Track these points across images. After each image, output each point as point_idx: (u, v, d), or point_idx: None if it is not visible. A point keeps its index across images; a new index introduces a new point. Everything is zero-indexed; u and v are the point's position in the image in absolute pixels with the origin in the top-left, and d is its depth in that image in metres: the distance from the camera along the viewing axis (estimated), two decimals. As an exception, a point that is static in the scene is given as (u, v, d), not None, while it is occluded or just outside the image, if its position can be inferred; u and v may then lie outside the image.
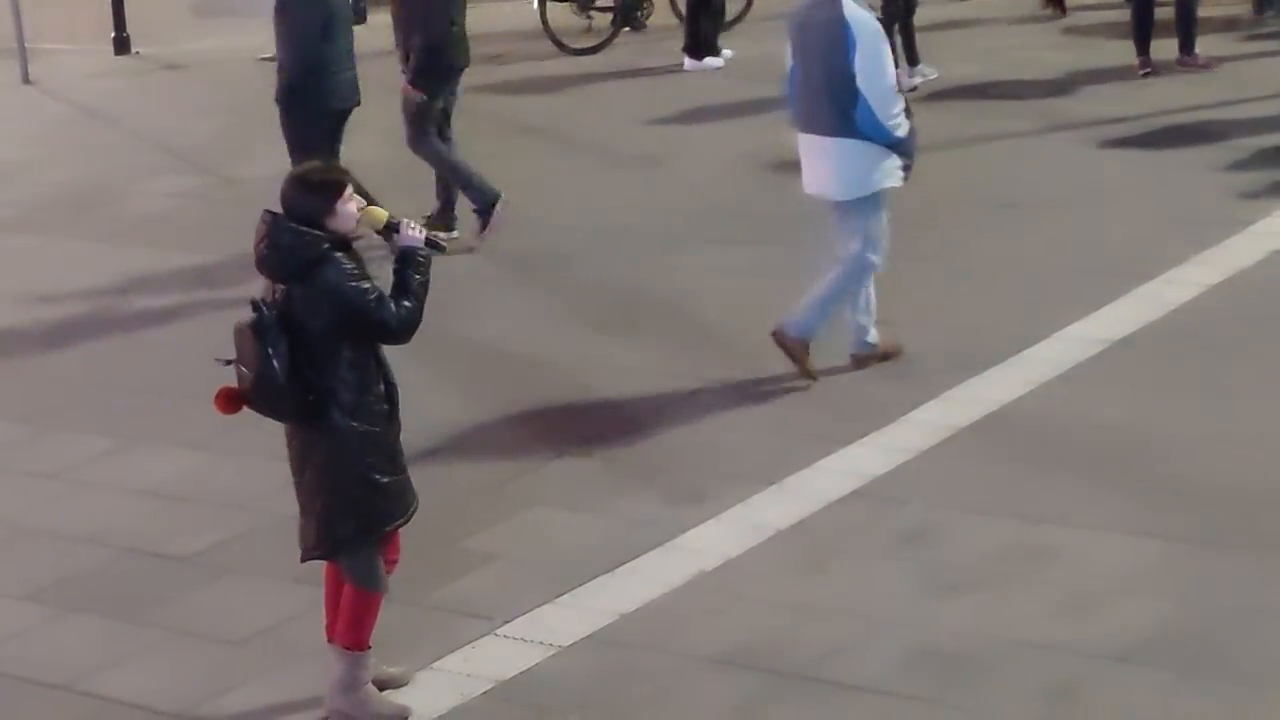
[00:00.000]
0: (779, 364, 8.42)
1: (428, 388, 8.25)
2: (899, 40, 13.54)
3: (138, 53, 18.08)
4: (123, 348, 9.51)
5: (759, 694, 5.72)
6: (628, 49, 16.55)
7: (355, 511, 5.63)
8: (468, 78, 11.30)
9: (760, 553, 6.65)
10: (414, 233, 5.66)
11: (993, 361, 8.26)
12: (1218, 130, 12.13)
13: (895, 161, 8.13)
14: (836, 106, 8.00)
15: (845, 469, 7.28)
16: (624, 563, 6.61)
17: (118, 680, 6.09)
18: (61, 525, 7.37)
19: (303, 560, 5.73)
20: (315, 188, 5.58)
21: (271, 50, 15.37)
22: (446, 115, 10.99)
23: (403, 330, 5.60)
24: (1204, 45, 14.23)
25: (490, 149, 12.07)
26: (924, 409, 7.81)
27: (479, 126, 12.63)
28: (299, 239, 5.51)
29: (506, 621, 6.25)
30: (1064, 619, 6.02)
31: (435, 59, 10.74)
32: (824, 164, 8.21)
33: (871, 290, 8.32)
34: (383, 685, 5.80)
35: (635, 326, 9.22)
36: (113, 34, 18.09)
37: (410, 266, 5.62)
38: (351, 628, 5.68)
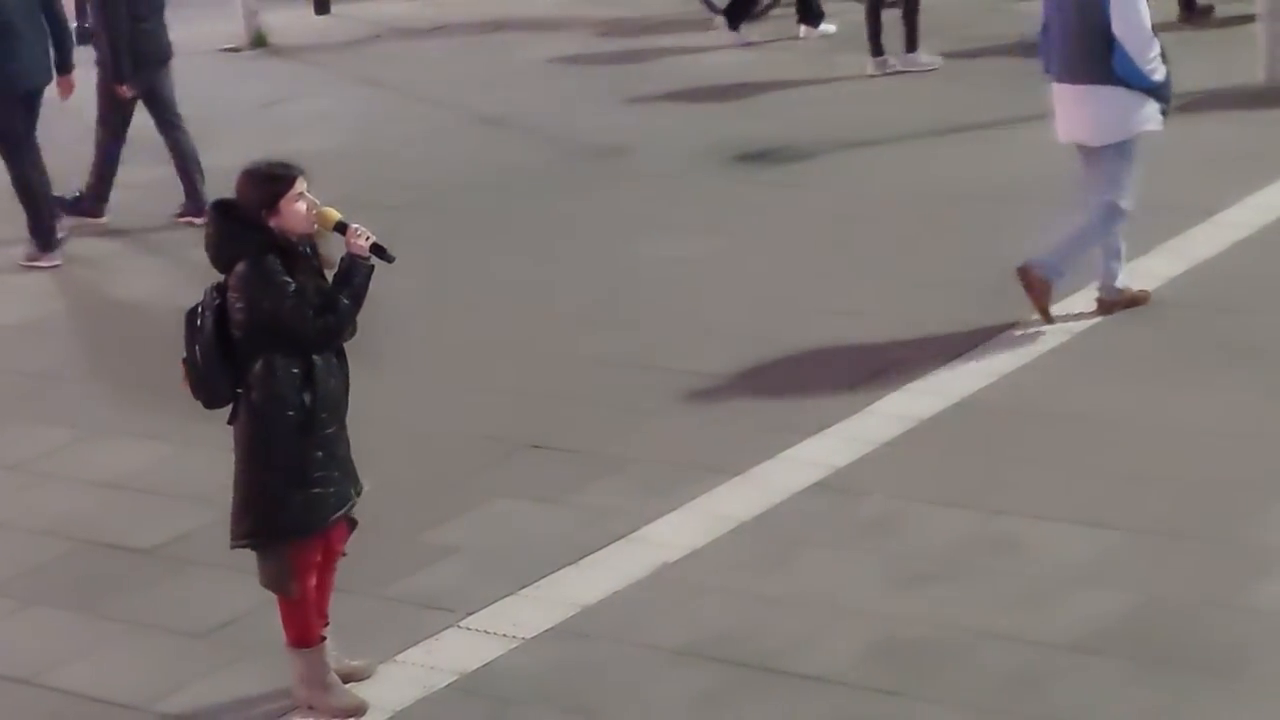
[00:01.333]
0: (743, 355, 8.44)
1: (391, 379, 8.24)
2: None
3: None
4: (84, 340, 9.48)
5: (722, 685, 5.73)
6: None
7: (253, 513, 5.59)
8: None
9: (723, 544, 6.66)
10: (359, 240, 5.56)
11: (956, 353, 8.28)
12: (1181, 118, 12.16)
13: (1153, 106, 8.43)
14: (1094, 54, 8.28)
15: (808, 460, 7.29)
16: (587, 554, 6.62)
17: (78, 673, 6.08)
18: (22, 517, 7.34)
19: (231, 546, 5.71)
20: (259, 181, 5.54)
21: (234, 41, 15.38)
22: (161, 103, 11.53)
23: (320, 339, 5.52)
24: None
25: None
26: (887, 400, 7.83)
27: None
28: (228, 231, 5.51)
29: (470, 613, 6.25)
30: (1025, 609, 6.05)
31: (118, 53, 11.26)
32: (1081, 111, 8.48)
33: (1120, 236, 8.52)
34: (346, 678, 5.79)
35: (596, 315, 9.23)
36: (74, 24, 17.98)
37: (351, 274, 5.54)
38: (285, 627, 5.68)
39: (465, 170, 12.14)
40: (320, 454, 5.57)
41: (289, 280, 5.47)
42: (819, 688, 5.66)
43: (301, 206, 5.52)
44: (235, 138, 13.20)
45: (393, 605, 6.33)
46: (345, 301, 5.52)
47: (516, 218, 11.06)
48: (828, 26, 15.84)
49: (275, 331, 5.48)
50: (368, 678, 5.86)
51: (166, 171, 12.33)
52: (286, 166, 5.59)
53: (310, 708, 5.70)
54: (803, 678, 5.72)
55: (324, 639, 5.72)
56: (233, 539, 5.68)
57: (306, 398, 5.52)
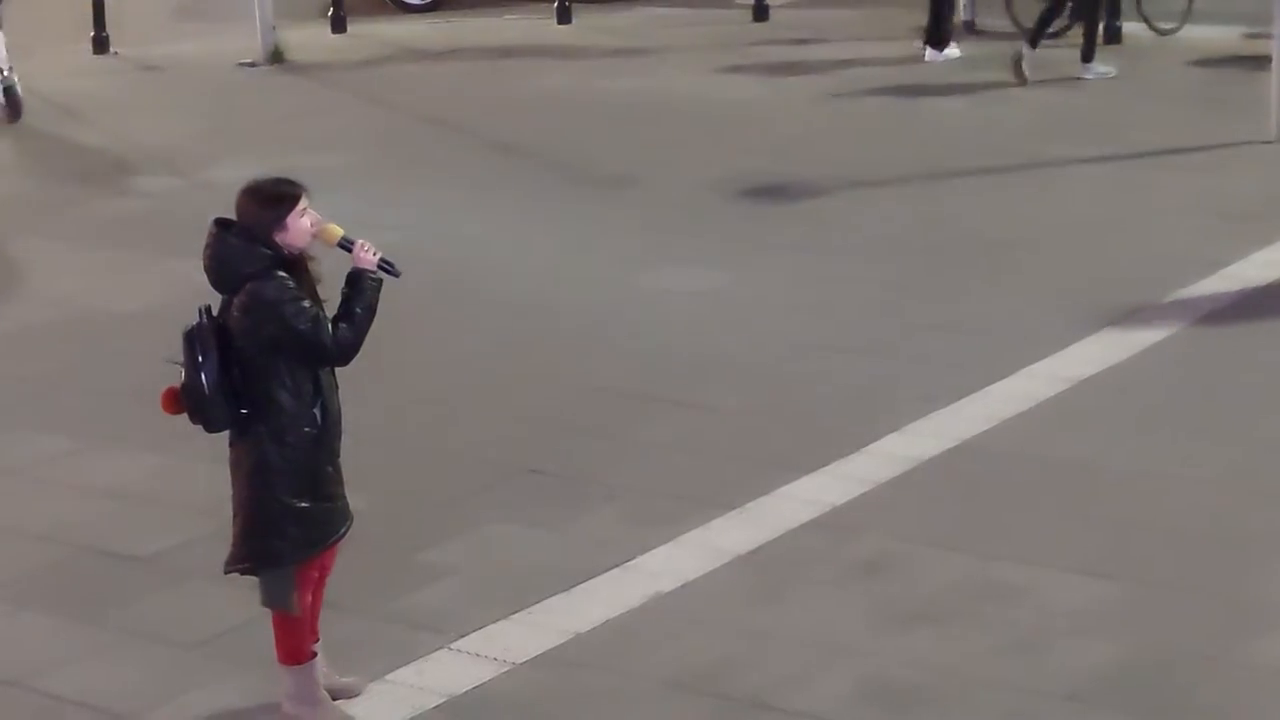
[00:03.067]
0: (744, 389, 8.44)
1: (390, 398, 8.25)
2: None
3: (116, 53, 18.04)
4: (89, 348, 9.49)
5: (710, 718, 5.72)
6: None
7: (269, 532, 5.58)
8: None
9: (717, 577, 6.66)
10: (366, 254, 5.58)
11: (957, 395, 8.29)
12: (1192, 172, 12.20)
13: None
14: None
15: (805, 497, 7.29)
16: (581, 582, 6.62)
17: (71, 679, 6.07)
18: (18, 523, 7.33)
19: (225, 572, 5.71)
20: (266, 200, 5.53)
21: (251, 56, 15.45)
22: None
23: (339, 354, 5.53)
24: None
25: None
26: (886, 440, 7.83)
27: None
28: (238, 251, 5.50)
29: (461, 636, 6.24)
30: (1017, 656, 6.04)
31: None
32: None
33: None
34: (335, 695, 5.79)
35: (599, 345, 9.24)
36: (91, 33, 18.05)
37: (358, 289, 5.55)
38: (278, 645, 5.67)
39: (472, 194, 12.17)
40: (330, 469, 5.62)
41: (303, 296, 5.49)
42: None
43: (306, 223, 5.53)
44: (249, 151, 13.26)
45: (384, 625, 6.33)
46: (358, 317, 5.53)
47: (521, 243, 11.08)
48: (952, 51, 15.88)
49: (293, 349, 5.48)
50: (357, 695, 5.86)
51: (178, 181, 12.34)
52: (291, 183, 5.59)
53: None
54: (791, 714, 5.71)
55: (315, 655, 5.72)
56: (231, 564, 5.67)
57: (317, 413, 5.54)
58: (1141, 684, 5.84)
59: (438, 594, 6.59)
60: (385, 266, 5.62)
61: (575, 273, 10.47)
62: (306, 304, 5.48)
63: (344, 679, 5.86)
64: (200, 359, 5.48)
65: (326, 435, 5.59)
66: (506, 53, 17.24)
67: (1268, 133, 12.67)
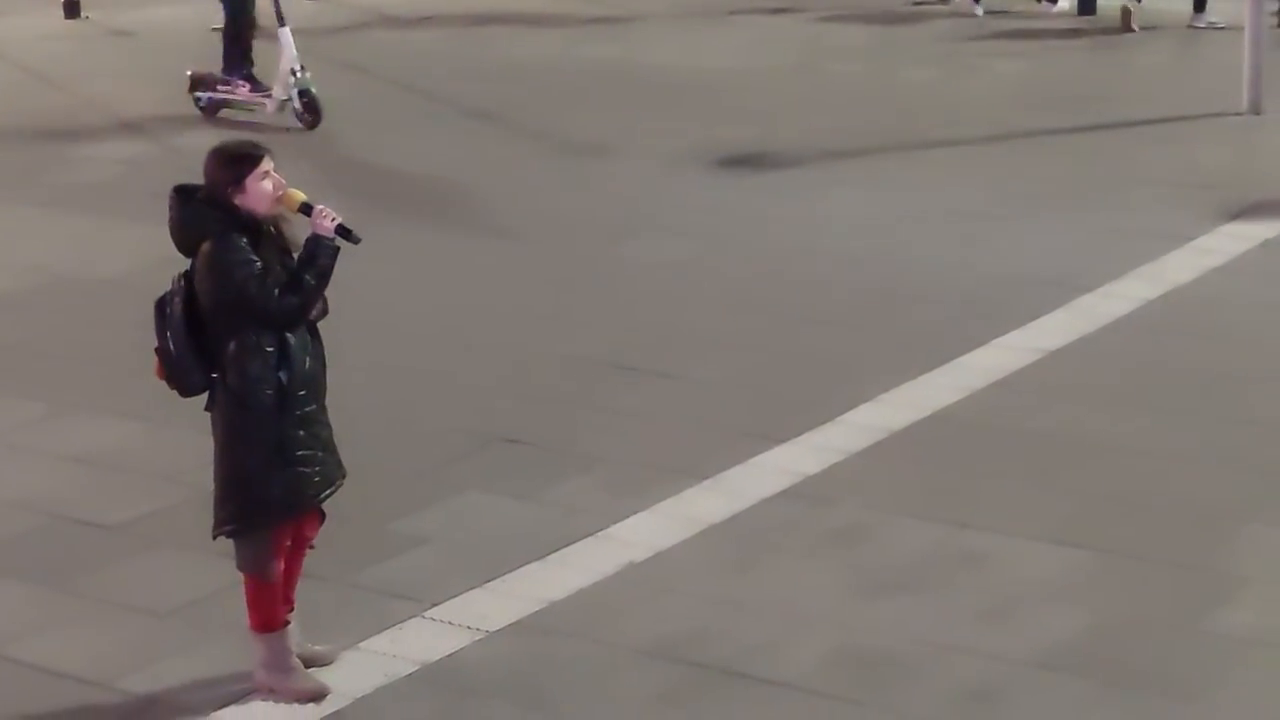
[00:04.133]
0: (719, 359, 8.46)
1: (365, 367, 8.25)
2: None
3: (87, 17, 17.96)
4: (62, 315, 9.46)
5: (683, 686, 5.74)
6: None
7: (239, 496, 5.59)
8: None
9: (691, 546, 6.68)
10: (325, 220, 5.55)
11: (929, 366, 8.32)
12: (1163, 144, 12.24)
13: None
14: None
15: (779, 467, 7.32)
16: (555, 550, 6.63)
17: (40, 647, 6.07)
18: (-9, 489, 7.33)
19: (213, 536, 5.71)
20: (226, 161, 5.55)
21: (220, 20, 15.39)
22: None
23: (284, 318, 5.50)
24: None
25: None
26: (859, 410, 7.86)
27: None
28: (194, 215, 5.52)
29: (435, 604, 6.26)
30: (988, 624, 6.08)
31: None
32: None
33: None
34: (309, 663, 5.79)
35: (574, 314, 9.24)
36: (64, -3, 17.96)
37: (313, 255, 5.53)
38: (250, 611, 5.67)
39: (445, 162, 12.15)
40: (301, 433, 5.57)
41: (254, 258, 5.47)
42: (780, 693, 5.68)
43: (267, 186, 5.53)
44: (221, 118, 13.22)
45: (359, 593, 6.34)
46: (310, 281, 5.51)
47: (496, 212, 11.07)
48: (1064, 3, 16.36)
49: (243, 310, 5.48)
50: (330, 663, 5.87)
51: (148, 147, 12.32)
52: (254, 146, 5.60)
53: (271, 691, 5.71)
54: (764, 682, 5.74)
55: (288, 624, 5.73)
56: (215, 527, 5.67)
57: (283, 375, 5.51)
58: (1110, 652, 5.88)
59: (412, 562, 6.60)
60: (343, 233, 5.60)
61: (550, 242, 10.47)
62: (256, 266, 5.46)
63: (318, 647, 5.87)
64: (166, 325, 5.53)
65: (291, 400, 5.54)
66: (482, 19, 17.19)
67: (1238, 105, 12.71)
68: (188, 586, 6.37)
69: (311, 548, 5.81)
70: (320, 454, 5.63)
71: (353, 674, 5.83)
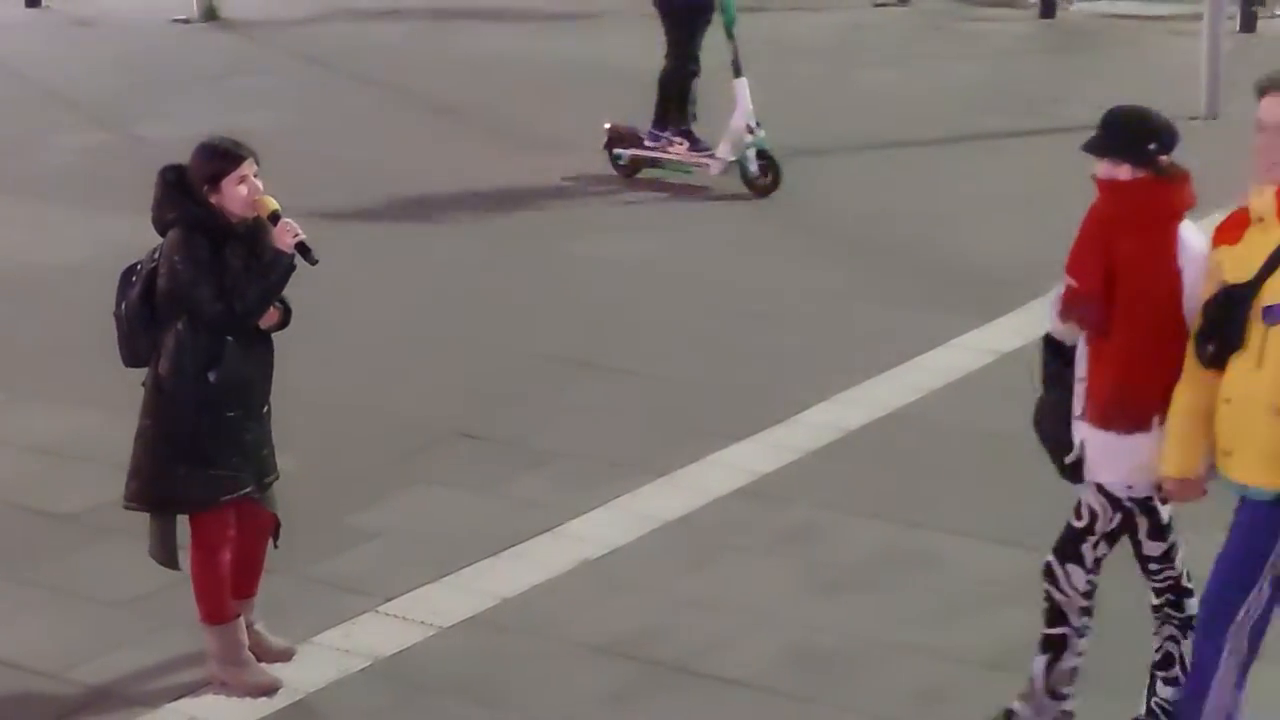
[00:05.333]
0: (676, 357, 8.48)
1: (325, 361, 8.24)
2: None
3: (48, 6, 17.87)
4: (17, 303, 9.42)
5: (636, 683, 5.77)
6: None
7: (141, 476, 5.64)
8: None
9: (645, 543, 6.70)
10: (286, 235, 5.54)
11: (885, 366, 8.35)
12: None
13: None
14: None
15: (734, 465, 7.34)
16: (509, 546, 6.65)
17: (-5, 637, 6.06)
18: (-55, 478, 7.30)
19: (124, 506, 5.77)
20: (207, 157, 5.56)
21: (185, 12, 15.29)
22: None
23: (217, 322, 5.51)
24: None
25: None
26: (815, 410, 7.89)
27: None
28: (166, 197, 5.56)
29: (389, 599, 6.26)
30: (939, 624, 6.11)
31: None
32: None
33: None
34: (270, 658, 5.80)
35: (532, 310, 9.25)
36: (24, -14, 17.86)
37: (271, 267, 5.53)
38: (197, 602, 5.71)
39: (407, 156, 12.13)
40: (218, 436, 5.56)
41: (203, 258, 5.48)
42: (732, 690, 5.71)
43: (242, 190, 5.52)
44: (181, 109, 13.17)
45: (312, 586, 6.34)
46: (253, 293, 5.51)
47: (456, 207, 11.06)
48: None
49: (177, 301, 5.53)
50: (290, 659, 5.86)
51: (108, 136, 12.24)
52: (238, 146, 5.60)
53: (223, 683, 5.71)
54: (717, 679, 5.77)
55: (238, 615, 5.72)
56: (124, 498, 5.74)
57: (211, 376, 5.53)
58: (1061, 654, 5.91)
59: (366, 557, 6.60)
60: (302, 250, 5.58)
61: (509, 237, 10.47)
62: (203, 266, 5.46)
63: (279, 642, 5.87)
64: (126, 293, 5.61)
65: (215, 403, 5.54)
66: (445, 13, 17.16)
67: (1196, 108, 12.77)
68: (143, 577, 6.34)
69: (275, 546, 5.82)
70: (235, 459, 5.60)
71: (306, 668, 5.83)
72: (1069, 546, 5.37)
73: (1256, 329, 4.81)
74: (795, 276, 9.71)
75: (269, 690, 5.70)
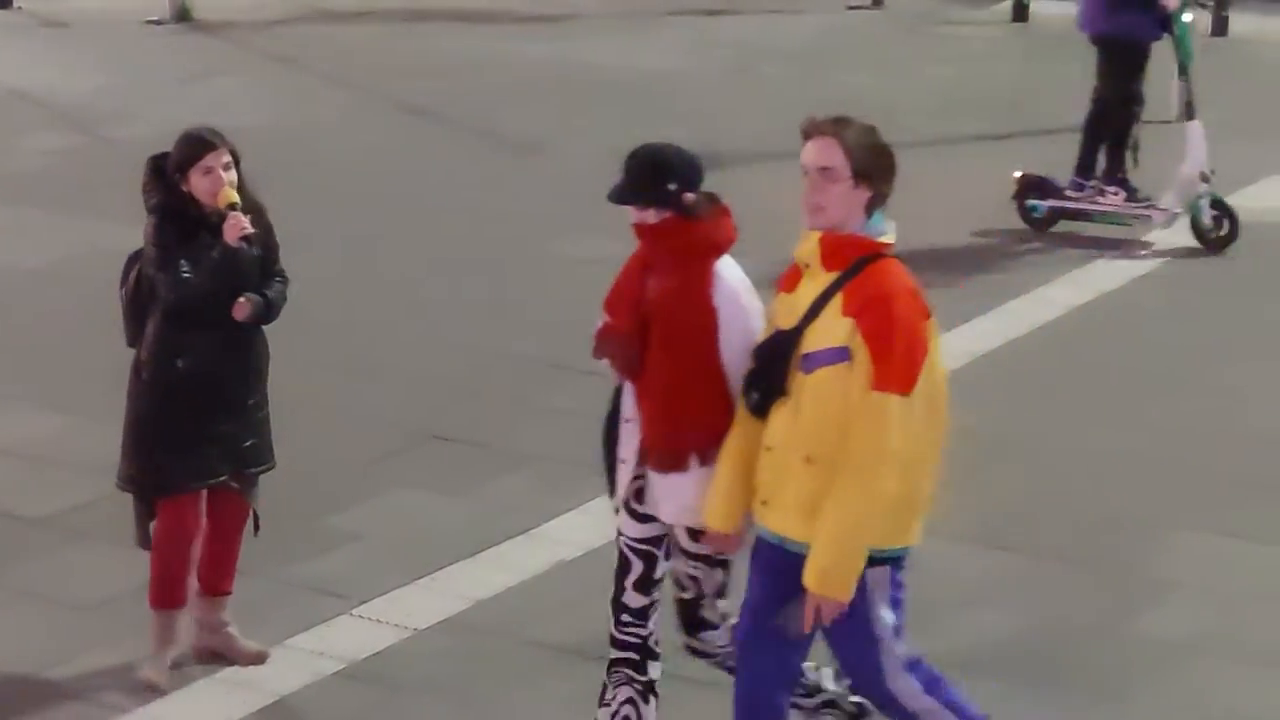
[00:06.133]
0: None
1: (298, 362, 8.21)
2: None
3: (19, 8, 17.79)
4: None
5: (610, 685, 5.75)
6: None
7: (124, 456, 5.75)
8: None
9: (620, 545, 6.68)
10: (233, 229, 5.54)
11: (860, 368, 8.34)
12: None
13: None
14: None
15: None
16: (484, 548, 6.64)
17: (-36, 641, 6.03)
18: (-85, 481, 7.26)
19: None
20: (180, 144, 5.63)
21: (158, 13, 15.18)
22: None
23: (170, 310, 5.58)
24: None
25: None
26: (790, 412, 7.88)
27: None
28: (147, 184, 5.64)
29: (363, 602, 6.25)
30: (913, 626, 6.06)
31: None
32: None
33: None
34: (243, 660, 5.79)
35: (507, 312, 9.24)
36: (-5, -13, 17.79)
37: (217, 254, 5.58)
38: (149, 583, 5.81)
39: (380, 158, 12.11)
40: (185, 424, 5.64)
41: (170, 244, 5.54)
42: (706, 692, 5.69)
43: (205, 182, 5.54)
44: (152, 111, 13.12)
45: (286, 589, 6.32)
46: (194, 280, 5.56)
47: (428, 208, 11.05)
48: None
49: (148, 283, 5.62)
50: (263, 662, 5.84)
51: (80, 138, 12.19)
52: (210, 136, 5.64)
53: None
54: (690, 681, 5.75)
55: (181, 604, 5.77)
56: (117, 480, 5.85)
57: (180, 363, 5.61)
58: (1036, 654, 5.93)
59: (341, 559, 6.58)
60: (246, 243, 5.58)
61: (484, 239, 10.45)
62: (166, 249, 5.52)
63: (250, 645, 5.86)
64: (125, 277, 5.74)
65: (184, 390, 5.61)
66: (419, 15, 17.13)
67: (1169, 111, 12.80)
68: (112, 580, 6.33)
69: (255, 534, 5.84)
70: (204, 447, 5.65)
71: (279, 671, 5.81)
72: (689, 617, 5.19)
73: (797, 377, 4.68)
74: (766, 280, 9.69)
75: (150, 687, 5.71)
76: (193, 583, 5.81)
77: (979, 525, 6.81)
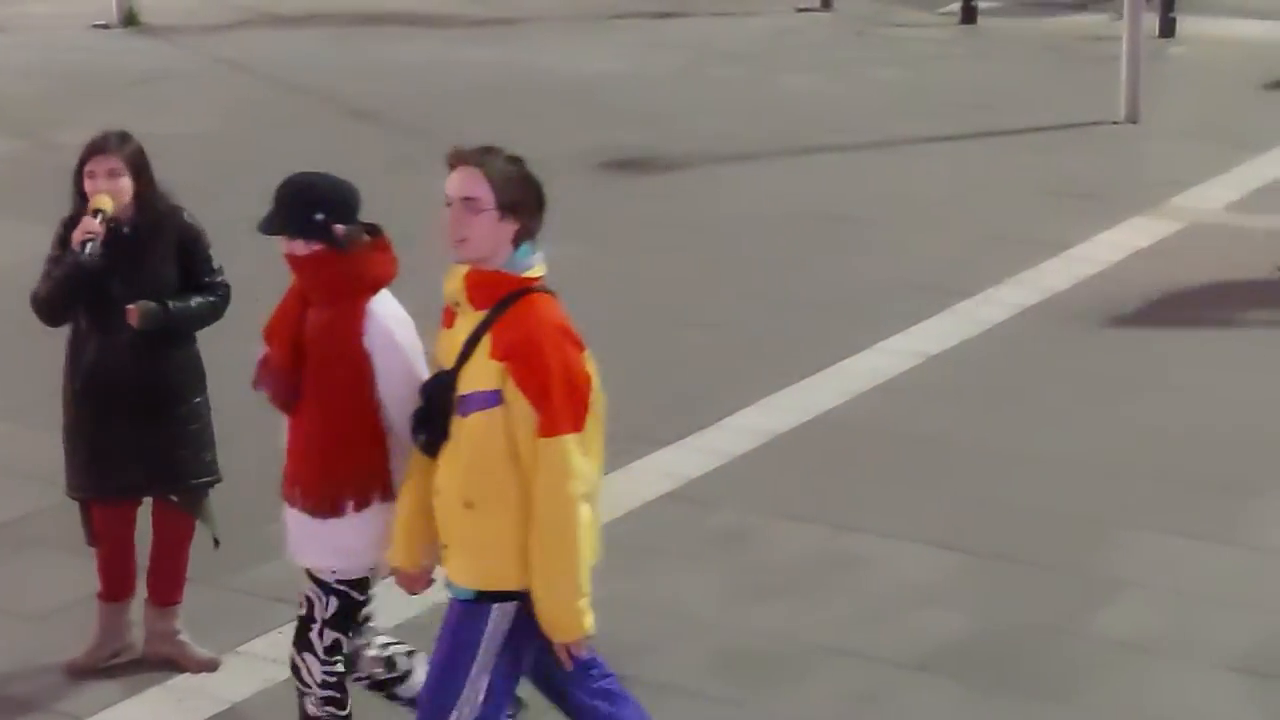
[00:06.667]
0: (600, 362, 8.44)
1: (242, 369, 8.16)
2: None
3: (-35, 12, 17.66)
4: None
5: (565, 689, 5.73)
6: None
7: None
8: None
9: (573, 549, 6.66)
10: (77, 234, 5.48)
11: (812, 369, 8.37)
12: (1040, 151, 12.38)
13: None
14: None
15: (662, 469, 7.33)
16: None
17: (-89, 652, 5.96)
18: None
19: None
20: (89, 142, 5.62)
21: (105, 17, 15.13)
22: None
23: (32, 303, 5.61)
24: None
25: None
26: (742, 414, 7.89)
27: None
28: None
29: (315, 607, 6.19)
30: (867, 627, 6.12)
31: None
32: None
33: None
34: (195, 667, 5.76)
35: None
36: (-62, -9, 17.65)
37: (59, 260, 5.56)
38: None
39: (327, 161, 12.02)
40: (84, 432, 5.63)
41: (55, 246, 5.57)
42: (661, 694, 5.68)
43: (90, 185, 5.55)
44: (100, 116, 13.00)
45: (237, 596, 6.27)
46: (41, 286, 5.57)
47: (379, 214, 10.97)
48: None
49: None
50: (215, 669, 5.81)
51: (25, 144, 12.06)
52: (106, 139, 5.64)
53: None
54: (645, 684, 5.73)
55: (114, 599, 5.77)
56: None
57: (72, 369, 5.63)
58: (990, 655, 5.94)
59: (291, 565, 6.52)
60: (81, 248, 5.46)
61: (434, 244, 10.40)
62: (54, 254, 5.55)
63: (205, 653, 5.82)
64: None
65: (78, 398, 5.61)
66: (369, 19, 17.09)
67: (1116, 113, 12.88)
68: (64, 589, 6.28)
69: (216, 547, 5.83)
70: (119, 457, 5.61)
71: (231, 678, 5.78)
72: (300, 636, 5.02)
73: (455, 419, 4.54)
74: (723, 280, 9.71)
75: (70, 671, 5.73)
76: (143, 591, 5.78)
77: (933, 526, 6.83)
